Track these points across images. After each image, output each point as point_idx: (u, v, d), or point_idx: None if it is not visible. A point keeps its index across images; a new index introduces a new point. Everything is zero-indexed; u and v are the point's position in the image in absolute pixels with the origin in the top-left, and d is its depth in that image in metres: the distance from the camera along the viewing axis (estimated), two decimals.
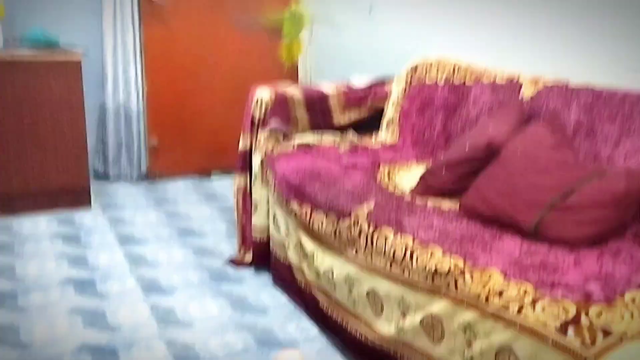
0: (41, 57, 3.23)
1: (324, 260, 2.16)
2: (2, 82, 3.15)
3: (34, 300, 2.44)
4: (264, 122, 2.81)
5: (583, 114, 2.04)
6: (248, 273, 2.74)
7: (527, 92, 2.30)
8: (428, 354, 1.67)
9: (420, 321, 1.67)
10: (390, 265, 1.78)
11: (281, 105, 2.85)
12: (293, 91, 2.91)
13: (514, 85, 2.37)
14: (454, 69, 2.72)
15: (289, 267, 2.46)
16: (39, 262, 2.78)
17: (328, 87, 3.00)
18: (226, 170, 4.10)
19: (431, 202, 2.06)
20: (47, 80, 3.25)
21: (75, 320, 2.29)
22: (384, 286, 1.82)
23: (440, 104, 2.69)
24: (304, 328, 2.29)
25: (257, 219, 2.74)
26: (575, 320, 1.30)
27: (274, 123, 2.83)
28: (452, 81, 2.69)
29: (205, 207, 3.61)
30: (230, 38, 4.09)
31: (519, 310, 1.38)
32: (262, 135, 2.77)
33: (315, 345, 2.17)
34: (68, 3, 3.76)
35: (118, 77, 3.89)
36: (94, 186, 3.67)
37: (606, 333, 1.26)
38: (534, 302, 1.38)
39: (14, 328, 2.23)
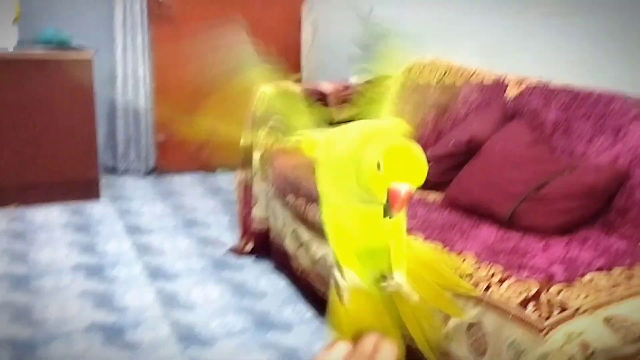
0: (54, 56, 3.39)
1: (319, 249, 2.30)
2: (17, 80, 3.32)
3: (47, 283, 2.60)
4: (264, 119, 2.96)
5: (561, 113, 2.17)
6: (248, 261, 2.89)
7: (511, 92, 2.44)
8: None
9: None
10: None
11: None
12: (293, 88, 3.06)
13: (499, 86, 2.50)
14: (445, 71, 2.86)
15: (286, 255, 2.61)
16: (51, 249, 2.94)
17: (326, 85, 3.15)
18: (230, 166, 4.25)
19: (417, 194, 2.20)
20: (59, 78, 3.41)
21: (85, 302, 2.45)
22: None
23: (432, 103, 2.83)
24: (300, 311, 2.43)
25: (257, 211, 2.89)
26: (535, 297, 1.44)
27: (274, 119, 2.98)
28: (444, 82, 2.83)
29: (210, 200, 3.77)
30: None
31: (487, 289, 1.52)
32: (263, 131, 2.92)
33: (310, 327, 2.32)
34: (80, 5, 3.93)
35: (127, 75, 4.05)
36: (104, 180, 3.83)
37: (562, 308, 1.40)
38: (500, 282, 1.52)
39: (28, 308, 2.39)
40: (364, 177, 0.49)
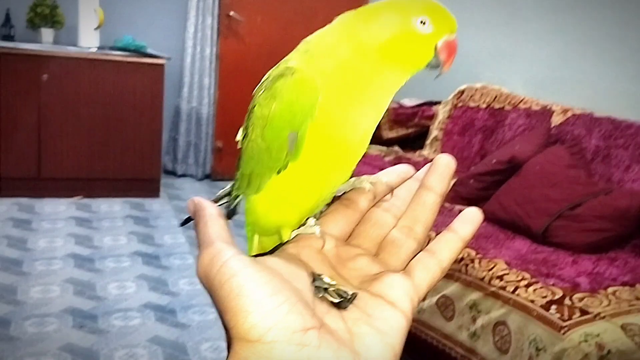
0: (130, 59, 3.68)
1: None
2: (95, 79, 3.62)
3: (108, 265, 2.82)
4: None
5: (602, 141, 2.27)
6: None
7: (556, 119, 2.55)
8: (441, 332, 1.93)
9: (436, 302, 1.94)
10: None
11: None
12: None
13: (546, 113, 2.62)
14: (495, 96, 2.98)
15: None
16: (113, 236, 3.18)
17: None
18: None
19: (458, 207, 2.33)
20: (133, 80, 3.69)
21: (142, 284, 2.66)
22: None
23: (480, 126, 2.96)
24: None
25: None
26: (559, 301, 1.55)
27: None
28: (493, 106, 2.95)
29: None
30: None
31: (514, 290, 1.64)
32: None
33: None
34: (156, 17, 4.23)
35: (194, 84, 4.32)
36: (163, 179, 4.08)
37: (583, 312, 1.51)
38: (527, 286, 1.64)
39: (91, 284, 2.61)
40: (395, 46, 0.42)
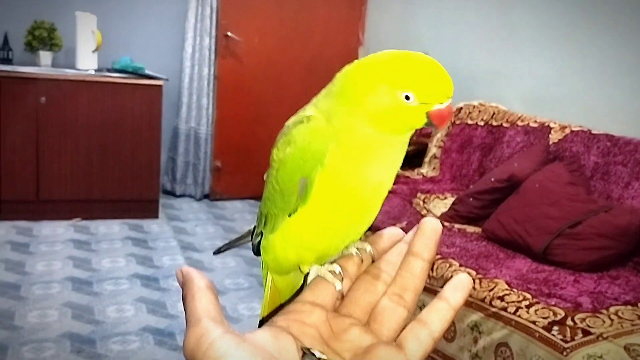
0: (128, 81, 3.69)
1: None
2: (93, 101, 3.62)
3: (106, 288, 2.80)
4: None
5: (601, 157, 2.27)
6: None
7: (555, 136, 2.55)
8: (442, 353, 1.91)
9: None
10: None
11: None
12: None
13: (544, 129, 2.62)
14: (493, 113, 2.99)
15: None
16: (111, 259, 3.16)
17: None
18: None
19: (458, 226, 2.32)
20: (131, 101, 3.70)
21: (140, 307, 2.64)
22: None
23: (478, 143, 2.96)
24: None
25: None
26: (561, 322, 1.53)
27: None
28: (491, 123, 2.95)
29: None
30: (295, 77, 4.49)
31: (515, 311, 1.62)
32: None
33: None
34: (153, 37, 4.25)
35: (192, 104, 4.33)
36: (162, 200, 4.07)
37: (586, 332, 1.49)
38: (529, 306, 1.62)
39: (89, 308, 2.59)
40: (386, 117, 0.42)
